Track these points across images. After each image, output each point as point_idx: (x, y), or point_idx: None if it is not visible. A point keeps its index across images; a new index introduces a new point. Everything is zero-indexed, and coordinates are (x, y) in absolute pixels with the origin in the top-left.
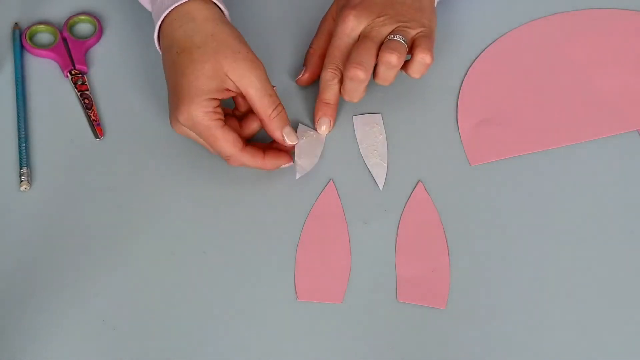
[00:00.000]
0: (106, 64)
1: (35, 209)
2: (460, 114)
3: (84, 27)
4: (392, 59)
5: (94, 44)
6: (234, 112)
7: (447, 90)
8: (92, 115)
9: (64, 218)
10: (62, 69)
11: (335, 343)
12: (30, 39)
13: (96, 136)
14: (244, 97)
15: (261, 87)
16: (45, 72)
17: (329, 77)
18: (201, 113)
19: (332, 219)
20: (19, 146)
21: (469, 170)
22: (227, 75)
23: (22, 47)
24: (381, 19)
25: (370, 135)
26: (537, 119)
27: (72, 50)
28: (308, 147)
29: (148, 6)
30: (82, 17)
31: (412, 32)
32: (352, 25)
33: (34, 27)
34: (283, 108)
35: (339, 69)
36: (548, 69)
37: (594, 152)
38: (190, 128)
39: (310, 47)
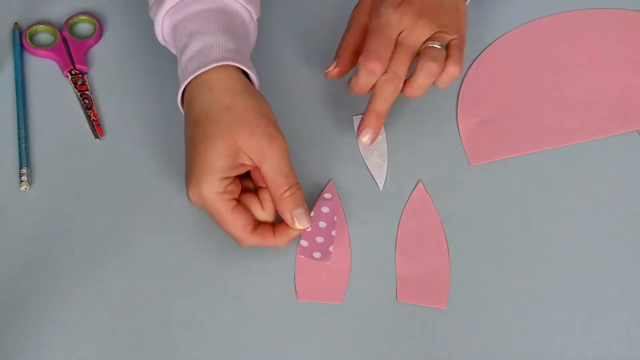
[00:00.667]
0: (106, 64)
1: (36, 209)
2: (460, 114)
3: (84, 27)
4: (433, 68)
5: (94, 44)
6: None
7: (447, 91)
8: (92, 115)
9: (64, 218)
10: (62, 69)
11: (336, 343)
12: (30, 39)
13: (96, 136)
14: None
15: (276, 164)
16: (45, 72)
17: (371, 68)
18: (211, 194)
19: None
20: (19, 146)
21: (469, 170)
22: (241, 150)
23: (22, 47)
24: (423, 21)
25: None
26: (537, 118)
27: (72, 50)
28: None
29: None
30: (82, 17)
31: (448, 38)
32: (395, 21)
33: (34, 27)
34: (299, 189)
35: (382, 65)
36: (548, 69)
37: (594, 152)
38: (200, 207)
39: (342, 40)
